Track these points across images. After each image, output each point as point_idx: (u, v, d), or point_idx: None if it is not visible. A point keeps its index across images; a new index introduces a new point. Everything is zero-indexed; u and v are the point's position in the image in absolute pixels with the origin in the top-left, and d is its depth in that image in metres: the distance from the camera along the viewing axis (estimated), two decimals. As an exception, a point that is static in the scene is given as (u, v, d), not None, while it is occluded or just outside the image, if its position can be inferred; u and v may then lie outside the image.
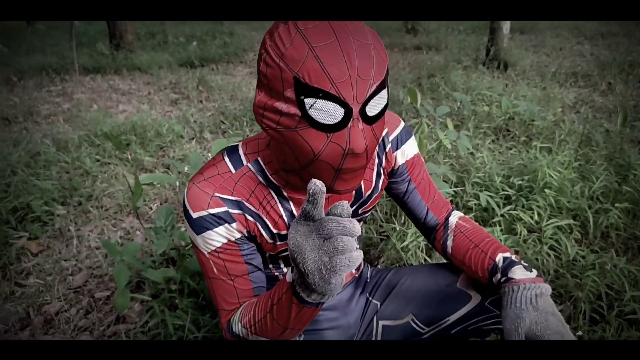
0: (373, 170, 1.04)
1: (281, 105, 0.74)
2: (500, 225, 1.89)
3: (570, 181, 2.09)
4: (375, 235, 1.88)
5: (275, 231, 0.94)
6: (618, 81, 4.64)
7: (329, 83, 0.69)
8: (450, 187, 1.97)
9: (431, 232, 1.16)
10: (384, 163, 1.05)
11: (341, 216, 0.64)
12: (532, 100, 3.72)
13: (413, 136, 1.12)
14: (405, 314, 1.15)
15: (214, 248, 0.90)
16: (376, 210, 2.04)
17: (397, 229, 1.82)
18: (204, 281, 1.73)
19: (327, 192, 0.82)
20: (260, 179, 0.91)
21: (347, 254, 0.63)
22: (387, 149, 1.04)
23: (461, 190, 2.14)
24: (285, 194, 0.92)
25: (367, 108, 0.74)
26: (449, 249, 1.09)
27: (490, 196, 2.05)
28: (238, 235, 0.91)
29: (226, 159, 0.92)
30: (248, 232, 0.92)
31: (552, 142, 2.80)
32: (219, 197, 0.88)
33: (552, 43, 7.05)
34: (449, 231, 1.10)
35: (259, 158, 0.92)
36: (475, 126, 3.30)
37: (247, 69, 6.60)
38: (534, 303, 0.85)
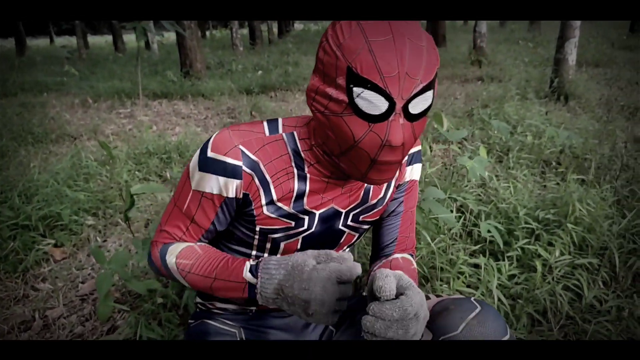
0: None
1: (331, 91, 0.78)
2: (512, 260, 1.72)
3: (605, 217, 1.87)
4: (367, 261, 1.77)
5: (278, 204, 0.93)
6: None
7: (378, 76, 0.73)
8: (461, 217, 1.82)
9: (375, 261, 1.12)
10: (397, 174, 1.00)
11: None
12: (588, 134, 3.44)
13: (422, 163, 1.10)
14: None
15: (202, 190, 0.92)
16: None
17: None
18: (185, 293, 1.69)
19: (360, 181, 0.86)
20: (289, 150, 0.93)
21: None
22: (403, 161, 1.00)
23: (479, 220, 1.98)
24: (306, 172, 0.93)
25: (410, 105, 0.76)
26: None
27: (511, 228, 1.88)
28: (231, 195, 0.91)
29: (265, 123, 0.95)
30: (245, 195, 0.92)
31: (588, 175, 2.55)
32: (242, 149, 0.89)
33: (629, 77, 6.57)
34: (382, 262, 1.07)
35: (295, 132, 0.94)
36: (519, 157, 3.09)
37: (303, 97, 6.70)
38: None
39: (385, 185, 1.01)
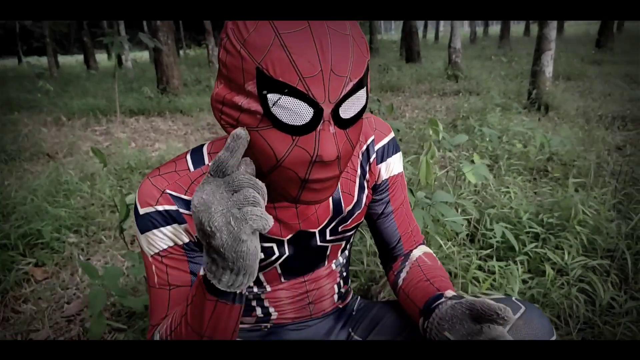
0: (355, 182, 0.91)
1: (241, 100, 0.64)
2: (523, 265, 1.68)
3: (608, 220, 1.86)
4: (379, 268, 1.71)
5: None
6: (672, 124, 4.32)
7: (296, 77, 0.59)
8: (468, 222, 1.78)
9: (390, 261, 1.02)
10: (367, 175, 0.92)
11: None
12: (573, 141, 3.48)
13: (400, 152, 0.98)
14: None
15: (157, 250, 0.80)
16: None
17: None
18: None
19: (294, 203, 0.72)
20: None
21: (258, 207, 0.56)
22: (371, 160, 0.91)
23: (482, 225, 1.95)
24: None
25: (340, 109, 0.63)
26: (400, 281, 0.95)
27: (516, 233, 1.85)
28: (186, 240, 0.80)
29: (188, 157, 0.83)
30: (197, 237, 0.81)
31: (588, 179, 2.56)
32: (170, 194, 0.78)
33: (601, 89, 6.75)
34: (406, 263, 0.96)
35: None
36: (509, 165, 3.10)
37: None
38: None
39: (356, 188, 0.91)
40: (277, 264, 0.90)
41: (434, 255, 1.00)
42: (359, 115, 0.67)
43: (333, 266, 1.00)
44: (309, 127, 0.62)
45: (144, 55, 23.85)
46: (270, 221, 0.55)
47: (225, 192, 0.57)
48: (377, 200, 0.96)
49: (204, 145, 0.85)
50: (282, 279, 0.94)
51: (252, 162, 0.63)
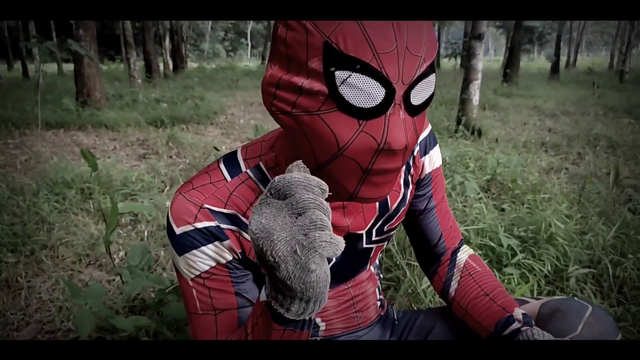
0: (401, 177, 0.87)
1: (302, 81, 0.57)
2: (514, 274, 1.74)
3: (575, 233, 1.99)
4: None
5: None
6: (587, 151, 4.77)
7: (370, 52, 0.54)
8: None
9: (433, 264, 0.99)
10: (412, 169, 0.88)
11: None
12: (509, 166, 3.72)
13: (438, 144, 0.96)
14: None
15: (198, 273, 0.72)
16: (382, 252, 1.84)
17: (412, 267, 1.64)
18: (182, 332, 1.46)
19: (349, 200, 0.66)
20: (262, 188, 0.74)
21: (327, 230, 0.49)
22: (415, 153, 0.87)
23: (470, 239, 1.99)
24: None
25: (412, 93, 0.58)
26: (452, 292, 0.94)
27: (498, 247, 1.91)
28: (229, 257, 0.73)
29: (221, 165, 0.76)
30: (242, 253, 0.74)
31: (549, 196, 2.74)
32: (209, 209, 0.71)
33: (517, 118, 7.32)
34: (455, 270, 0.94)
35: (260, 163, 0.75)
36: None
37: (218, 130, 6.49)
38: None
39: (402, 183, 0.87)
40: None
41: (478, 256, 0.99)
42: (427, 103, 0.62)
43: (372, 269, 0.97)
44: (379, 110, 0.57)
45: (52, 66, 22.36)
46: (341, 245, 0.49)
47: (288, 216, 0.50)
48: (420, 196, 0.93)
49: (236, 151, 0.79)
50: None
51: (305, 166, 0.56)
